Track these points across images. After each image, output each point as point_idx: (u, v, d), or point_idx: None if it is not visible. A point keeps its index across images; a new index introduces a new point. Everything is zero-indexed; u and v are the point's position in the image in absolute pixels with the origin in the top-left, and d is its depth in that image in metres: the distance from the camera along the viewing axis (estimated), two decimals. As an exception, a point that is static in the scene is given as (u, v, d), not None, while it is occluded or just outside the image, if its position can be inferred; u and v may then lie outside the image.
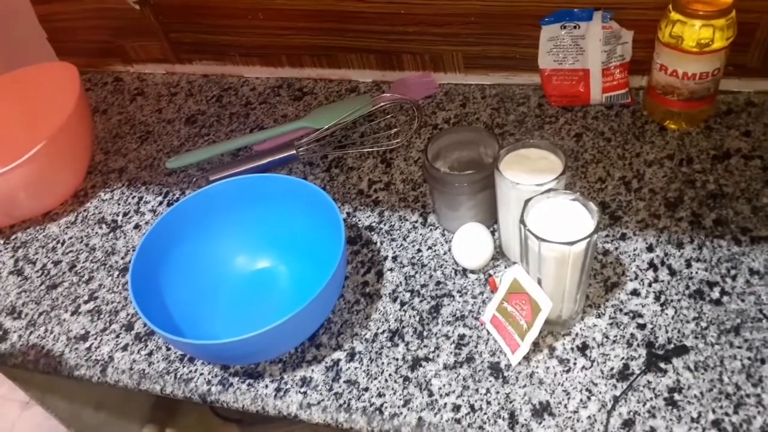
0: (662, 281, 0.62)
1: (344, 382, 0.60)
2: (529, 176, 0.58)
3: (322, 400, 0.59)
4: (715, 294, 0.60)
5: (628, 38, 0.77)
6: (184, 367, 0.64)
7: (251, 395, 0.61)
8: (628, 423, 0.53)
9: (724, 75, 0.72)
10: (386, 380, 0.59)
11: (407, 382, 0.59)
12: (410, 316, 0.64)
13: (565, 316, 0.59)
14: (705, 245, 0.64)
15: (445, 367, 0.59)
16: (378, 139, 0.84)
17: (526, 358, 0.58)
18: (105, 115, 1.00)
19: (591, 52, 0.78)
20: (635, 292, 0.62)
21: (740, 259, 0.62)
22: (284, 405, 0.60)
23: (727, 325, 0.58)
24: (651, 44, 0.73)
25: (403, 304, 0.65)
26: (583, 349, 0.58)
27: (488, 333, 0.61)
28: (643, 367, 0.56)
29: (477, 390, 0.57)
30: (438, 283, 0.66)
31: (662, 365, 0.56)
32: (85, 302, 0.72)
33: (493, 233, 0.68)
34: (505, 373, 0.58)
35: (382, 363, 0.61)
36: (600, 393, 0.55)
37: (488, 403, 0.56)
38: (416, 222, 0.73)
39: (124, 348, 0.67)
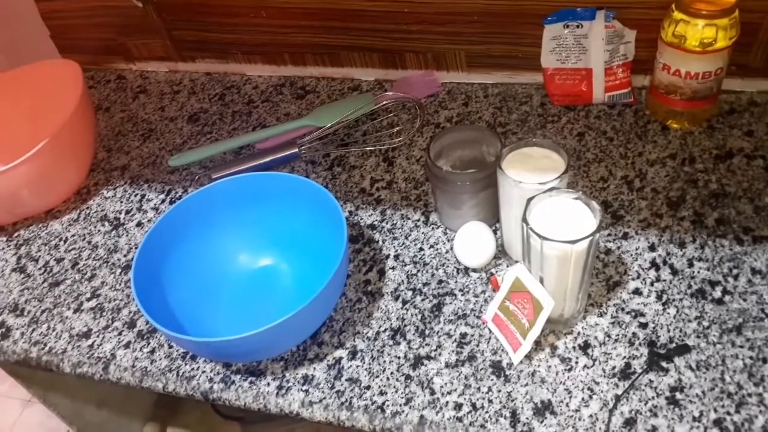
0: (664, 280, 0.62)
1: (346, 380, 0.60)
2: (531, 175, 0.58)
3: (324, 398, 0.59)
4: (717, 293, 0.60)
5: (631, 37, 0.77)
6: (186, 364, 0.64)
7: (253, 393, 0.61)
8: (630, 422, 0.53)
9: (726, 75, 0.72)
10: (388, 378, 0.59)
11: (409, 381, 0.59)
12: (412, 315, 0.64)
13: (567, 315, 0.59)
14: (707, 245, 0.64)
15: (447, 365, 0.59)
16: (380, 138, 0.84)
17: (528, 356, 0.58)
18: (108, 112, 1.00)
19: (594, 52, 0.78)
20: (637, 291, 0.62)
21: (742, 258, 0.62)
22: (286, 403, 0.60)
23: (729, 324, 0.58)
24: (654, 43, 0.73)
25: (404, 302, 0.65)
26: (585, 348, 0.58)
27: (490, 332, 0.61)
28: (645, 366, 0.56)
29: (479, 388, 0.57)
30: (440, 281, 0.66)
31: (664, 364, 0.56)
32: (88, 300, 0.72)
33: (495, 232, 0.68)
34: (507, 372, 0.58)
35: (384, 361, 0.61)
36: (602, 392, 0.55)
37: (490, 401, 0.56)
38: (418, 220, 0.73)
39: (127, 345, 0.67)
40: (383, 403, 0.58)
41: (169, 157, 0.87)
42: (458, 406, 0.56)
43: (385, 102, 0.86)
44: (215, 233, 0.71)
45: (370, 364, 0.61)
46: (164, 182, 0.85)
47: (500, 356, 0.59)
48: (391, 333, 0.63)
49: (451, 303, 0.64)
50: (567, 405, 0.55)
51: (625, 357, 0.57)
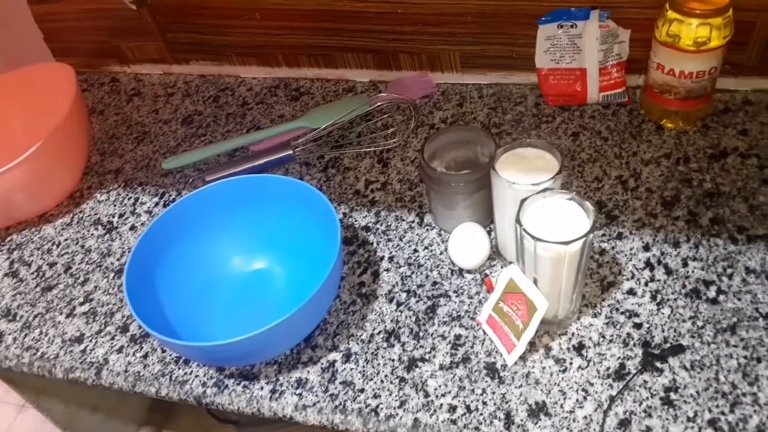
0: (658, 280, 0.62)
1: (340, 383, 0.60)
2: (525, 176, 0.58)
3: (318, 401, 0.59)
4: (712, 293, 0.60)
5: (625, 37, 0.77)
6: (179, 369, 0.64)
7: (246, 397, 0.61)
8: (625, 423, 0.53)
9: (721, 74, 0.72)
10: (382, 381, 0.59)
11: (403, 383, 0.59)
12: (406, 317, 0.64)
13: (561, 316, 0.59)
14: (701, 244, 0.64)
15: (441, 367, 0.59)
16: (375, 139, 0.84)
17: (522, 358, 0.58)
18: (101, 115, 0.99)
19: (588, 51, 0.78)
20: (631, 292, 0.62)
21: (736, 257, 0.62)
22: (279, 407, 0.59)
23: (723, 324, 0.58)
24: (648, 43, 0.73)
25: (399, 304, 0.65)
26: (580, 348, 0.58)
27: (484, 333, 0.61)
28: (640, 367, 0.56)
29: (473, 390, 0.57)
30: (434, 283, 0.66)
31: (658, 364, 0.56)
32: (81, 304, 0.72)
33: (489, 233, 0.68)
34: (501, 374, 0.58)
35: (378, 364, 0.60)
36: (596, 393, 0.55)
37: (484, 403, 0.56)
38: (413, 222, 0.73)
39: (119, 350, 0.67)
40: (377, 406, 0.57)
41: (163, 160, 0.87)
42: (452, 409, 0.56)
43: (379, 103, 0.85)
44: (209, 236, 0.70)
45: (364, 366, 0.61)
46: (158, 185, 0.85)
47: (494, 358, 0.59)
48: (385, 335, 0.63)
49: (445, 305, 0.64)
50: (561, 406, 0.55)
51: (619, 357, 0.57)
